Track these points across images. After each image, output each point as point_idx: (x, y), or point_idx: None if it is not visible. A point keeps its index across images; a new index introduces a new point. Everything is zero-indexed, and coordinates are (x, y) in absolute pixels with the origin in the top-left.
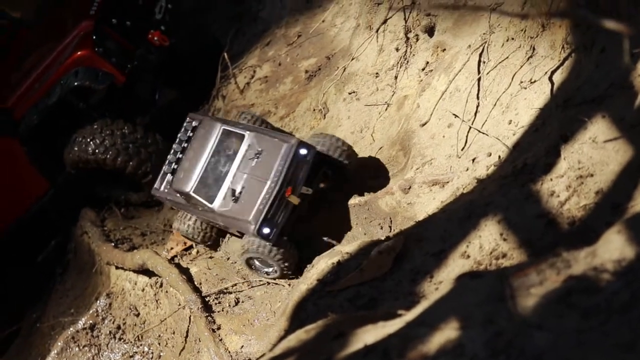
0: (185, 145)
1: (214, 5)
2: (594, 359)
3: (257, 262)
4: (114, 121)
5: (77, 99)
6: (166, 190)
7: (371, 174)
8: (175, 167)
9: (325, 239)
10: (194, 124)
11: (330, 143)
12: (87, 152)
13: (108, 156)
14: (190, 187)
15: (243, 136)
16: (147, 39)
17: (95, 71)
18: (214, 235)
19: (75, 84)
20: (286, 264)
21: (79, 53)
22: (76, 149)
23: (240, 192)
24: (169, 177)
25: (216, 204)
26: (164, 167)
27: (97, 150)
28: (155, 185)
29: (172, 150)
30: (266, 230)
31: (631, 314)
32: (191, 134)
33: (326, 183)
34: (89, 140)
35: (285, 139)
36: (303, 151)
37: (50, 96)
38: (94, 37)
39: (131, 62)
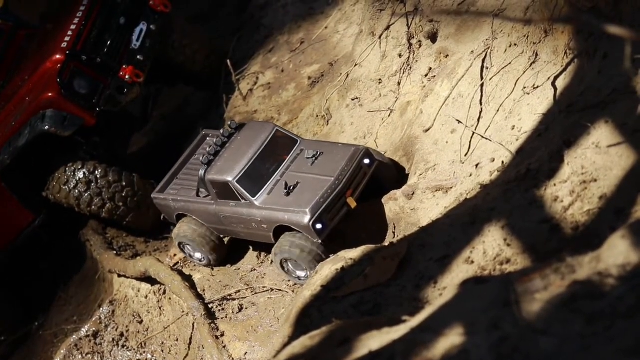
0: (225, 141)
1: (216, 12)
2: None
3: (290, 265)
4: (86, 164)
5: (46, 143)
6: (172, 191)
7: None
8: (212, 159)
9: None
10: (237, 124)
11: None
12: (60, 196)
13: (81, 202)
14: (232, 176)
15: (296, 141)
16: (119, 76)
17: (62, 115)
18: (217, 243)
19: (43, 128)
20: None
21: (46, 94)
22: (50, 190)
23: (295, 187)
24: (175, 181)
25: (260, 199)
26: (170, 173)
27: (70, 195)
28: (157, 189)
29: (210, 144)
30: (319, 226)
31: (636, 318)
32: (234, 132)
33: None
34: (62, 185)
35: (351, 145)
36: (367, 160)
37: (20, 136)
38: (60, 79)
39: (101, 105)
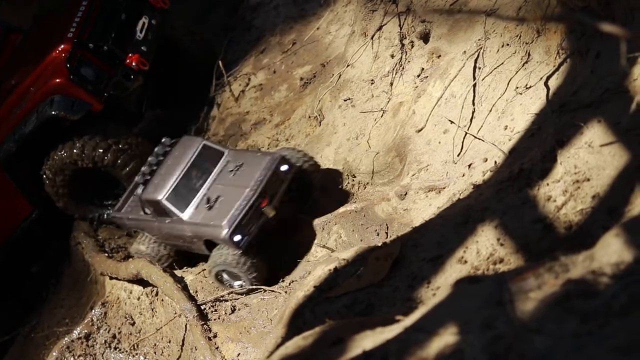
0: (161, 159)
1: (208, 13)
2: None
3: (225, 276)
4: (100, 126)
5: (53, 128)
6: (128, 210)
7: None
8: (148, 178)
9: (321, 246)
10: (172, 141)
11: (297, 157)
12: (73, 152)
13: (96, 153)
14: (162, 195)
15: (222, 153)
16: (125, 63)
17: (70, 100)
18: (172, 257)
19: (51, 113)
20: (254, 275)
21: (54, 81)
22: (64, 151)
23: (216, 200)
24: (132, 198)
25: (187, 214)
26: (126, 190)
27: (84, 149)
28: (116, 207)
29: (147, 164)
30: (237, 237)
31: (630, 317)
32: (168, 149)
33: (290, 199)
34: (77, 143)
35: (268, 153)
36: (284, 167)
37: (26, 124)
38: (69, 64)
39: (108, 89)
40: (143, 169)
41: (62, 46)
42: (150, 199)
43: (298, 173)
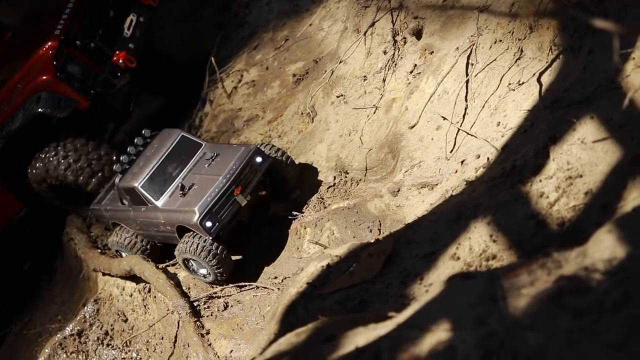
0: (140, 150)
1: (200, 10)
2: (586, 359)
3: (193, 264)
4: (78, 140)
5: (40, 125)
6: (107, 202)
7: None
8: (127, 168)
9: (314, 242)
10: (152, 133)
11: (273, 152)
12: (49, 169)
13: (69, 174)
14: (137, 182)
15: (200, 145)
16: (112, 61)
17: (57, 97)
18: (148, 249)
19: (38, 110)
20: (220, 270)
21: (41, 78)
22: (39, 165)
23: (190, 188)
24: (112, 192)
25: (162, 201)
26: (109, 184)
27: (59, 168)
28: (96, 200)
29: (126, 154)
30: (209, 224)
31: (622, 313)
32: (148, 141)
33: (264, 192)
34: (52, 158)
35: (243, 145)
36: (259, 159)
37: (13, 121)
38: (56, 62)
39: (95, 87)
40: (122, 158)
41: (49, 43)
42: (127, 187)
43: (274, 166)
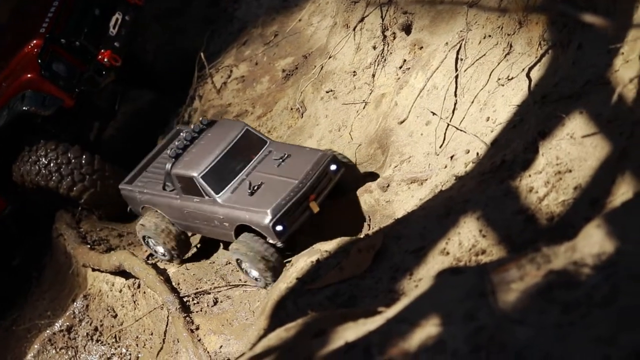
0: (195, 136)
1: (188, 6)
2: (575, 353)
3: (246, 265)
4: (61, 145)
5: (25, 124)
6: (140, 185)
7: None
8: (180, 153)
9: None
10: (208, 121)
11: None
12: (31, 175)
13: (51, 181)
14: (198, 172)
15: (265, 142)
16: (97, 59)
17: (41, 96)
18: (182, 238)
19: (22, 109)
20: (270, 278)
21: (26, 76)
22: (16, 170)
23: (258, 187)
24: (144, 174)
25: (223, 196)
26: (140, 166)
27: (40, 174)
28: (125, 180)
29: (180, 138)
30: (279, 227)
31: (611, 307)
32: (204, 128)
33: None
34: (34, 164)
35: (318, 150)
36: (333, 167)
37: None
38: (41, 60)
39: (80, 85)
40: (176, 142)
41: (34, 41)
42: (182, 175)
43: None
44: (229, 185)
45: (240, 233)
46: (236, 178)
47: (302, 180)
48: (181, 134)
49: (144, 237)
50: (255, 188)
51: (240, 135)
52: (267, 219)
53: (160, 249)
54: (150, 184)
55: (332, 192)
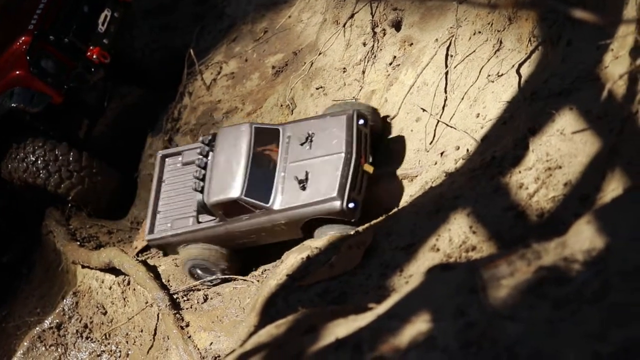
0: (206, 161)
1: (177, 2)
2: (566, 349)
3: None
4: (48, 142)
5: (13, 121)
6: (164, 228)
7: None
8: (202, 185)
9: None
10: (209, 138)
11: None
12: (19, 172)
13: (39, 178)
14: (238, 191)
15: (277, 130)
16: (86, 56)
17: (30, 93)
18: (230, 255)
19: (11, 105)
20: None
21: (14, 73)
22: (4, 168)
23: (307, 178)
24: (158, 217)
25: (275, 203)
26: (151, 211)
27: (28, 171)
28: (147, 231)
29: (195, 170)
30: (352, 205)
31: (601, 303)
32: (210, 148)
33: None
34: (22, 161)
35: (338, 113)
36: (361, 121)
37: None
38: (29, 57)
39: (69, 82)
40: (194, 175)
41: (23, 38)
42: (223, 201)
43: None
44: (274, 189)
45: (307, 228)
46: (276, 179)
47: (347, 150)
48: (196, 161)
49: (190, 269)
50: (305, 180)
51: (252, 136)
52: (338, 204)
53: (212, 275)
54: (176, 222)
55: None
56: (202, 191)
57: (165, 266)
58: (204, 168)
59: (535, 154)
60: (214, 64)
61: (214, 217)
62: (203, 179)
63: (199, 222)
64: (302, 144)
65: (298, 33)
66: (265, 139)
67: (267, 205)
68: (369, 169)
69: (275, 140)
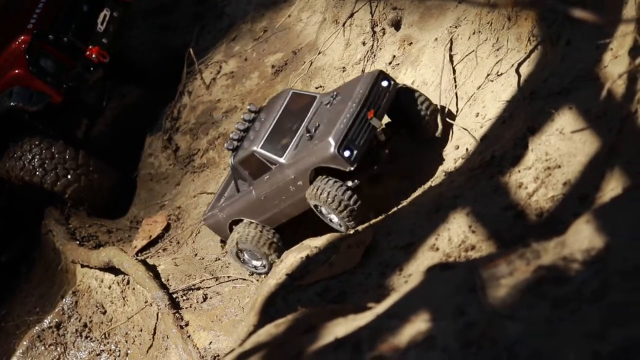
0: (246, 128)
1: (177, 2)
2: (565, 349)
3: (323, 210)
4: (45, 140)
5: (12, 120)
6: (223, 205)
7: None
8: (238, 145)
9: None
10: (258, 108)
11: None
12: (16, 170)
13: (35, 176)
14: (255, 146)
15: (315, 97)
16: (85, 55)
17: (29, 92)
18: (275, 241)
19: (10, 105)
20: (351, 222)
21: (13, 72)
22: (7, 165)
23: (316, 130)
24: (214, 203)
25: (287, 157)
26: (217, 194)
27: (24, 169)
28: (206, 213)
29: (235, 131)
30: (347, 152)
31: (601, 303)
32: (248, 123)
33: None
34: (19, 159)
35: (367, 73)
36: (385, 82)
37: None
38: (28, 56)
39: (68, 81)
40: (231, 134)
41: (22, 37)
42: (244, 157)
43: (403, 96)
44: (290, 145)
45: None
46: (295, 137)
47: (354, 100)
48: (236, 125)
49: (237, 254)
50: (314, 131)
51: (287, 100)
52: (332, 147)
53: (256, 262)
54: (227, 200)
55: (391, 110)
56: (234, 150)
57: (164, 265)
58: (244, 131)
59: (535, 153)
60: (213, 63)
61: (248, 184)
62: (239, 141)
63: (238, 192)
64: (327, 104)
65: (297, 32)
66: (299, 102)
67: (280, 159)
68: (376, 122)
69: (309, 105)
